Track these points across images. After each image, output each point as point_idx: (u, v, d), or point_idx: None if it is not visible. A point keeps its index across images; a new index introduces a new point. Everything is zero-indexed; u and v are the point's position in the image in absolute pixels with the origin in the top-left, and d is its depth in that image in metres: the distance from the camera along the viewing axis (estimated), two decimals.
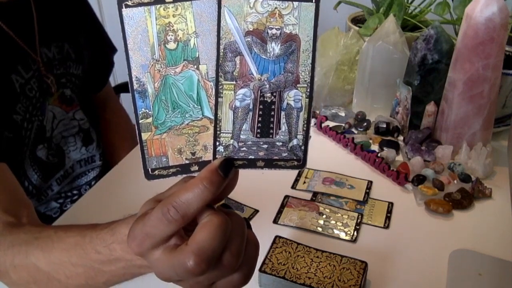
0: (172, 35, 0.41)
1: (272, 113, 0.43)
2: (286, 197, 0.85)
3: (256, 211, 0.82)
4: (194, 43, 0.41)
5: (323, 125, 1.05)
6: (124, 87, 1.41)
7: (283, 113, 0.43)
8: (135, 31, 0.41)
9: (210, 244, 0.39)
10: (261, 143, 0.44)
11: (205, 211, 0.40)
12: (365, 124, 1.06)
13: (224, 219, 0.40)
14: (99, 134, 1.07)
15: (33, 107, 0.86)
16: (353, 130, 1.07)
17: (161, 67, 0.42)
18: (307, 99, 0.43)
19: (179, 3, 0.40)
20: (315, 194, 0.86)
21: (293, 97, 0.43)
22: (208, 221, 0.40)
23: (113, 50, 1.15)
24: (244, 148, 0.44)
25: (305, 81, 0.43)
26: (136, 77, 0.42)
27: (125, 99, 1.55)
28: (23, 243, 0.57)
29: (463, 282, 0.67)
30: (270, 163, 0.44)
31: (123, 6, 0.40)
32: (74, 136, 0.99)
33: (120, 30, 0.40)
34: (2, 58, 0.81)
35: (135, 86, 0.42)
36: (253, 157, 0.44)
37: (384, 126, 1.02)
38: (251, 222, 0.79)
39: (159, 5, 0.40)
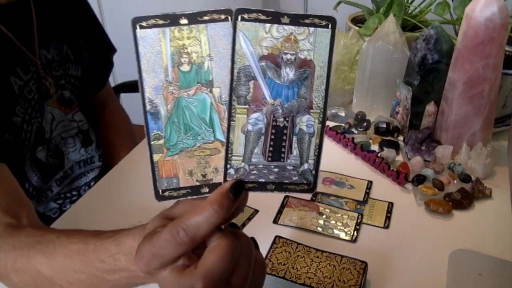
0: (186, 58, 0.41)
1: (284, 137, 0.44)
2: (286, 197, 0.84)
3: (256, 211, 0.82)
4: (208, 66, 0.41)
5: None
6: (124, 87, 1.41)
7: (295, 137, 0.44)
8: (149, 53, 0.41)
9: (218, 268, 0.39)
10: (272, 166, 0.44)
11: (214, 233, 0.41)
12: (365, 124, 1.06)
13: (233, 243, 0.40)
14: (99, 135, 1.07)
15: (32, 109, 0.86)
16: (353, 130, 1.07)
17: (174, 89, 0.42)
18: (320, 125, 0.43)
19: (194, 25, 0.40)
20: (315, 194, 0.86)
21: (306, 122, 0.43)
22: (217, 245, 0.40)
23: (113, 50, 1.15)
24: (255, 171, 0.44)
25: (319, 107, 0.43)
26: (149, 98, 0.42)
27: (125, 99, 1.55)
28: (24, 247, 0.57)
29: (463, 282, 0.67)
30: (280, 187, 0.45)
31: (138, 27, 0.40)
32: (73, 137, 0.98)
33: (134, 51, 0.40)
34: (0, 60, 0.80)
35: (148, 107, 0.42)
36: (263, 180, 0.44)
37: (384, 126, 1.02)
38: (251, 222, 0.79)
39: (173, 27, 0.40)
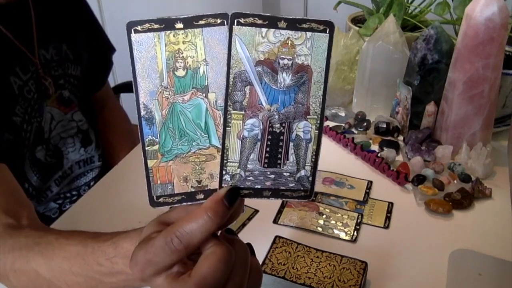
0: (181, 62, 0.41)
1: (281, 143, 0.43)
2: None
3: (256, 211, 0.82)
4: (204, 71, 0.41)
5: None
6: (124, 87, 1.41)
7: (291, 144, 0.43)
8: (144, 57, 0.40)
9: (212, 276, 0.39)
10: (268, 173, 0.43)
11: (209, 241, 0.40)
12: (365, 124, 1.05)
13: (228, 251, 0.40)
14: (98, 135, 1.07)
15: (32, 108, 0.86)
16: (353, 130, 1.07)
17: (169, 94, 0.41)
18: (317, 131, 0.43)
19: (189, 29, 0.40)
20: (315, 194, 0.86)
21: (303, 128, 0.43)
22: (211, 253, 0.40)
23: (112, 50, 1.15)
24: (250, 178, 0.43)
25: (316, 112, 0.42)
26: (144, 103, 0.41)
27: (125, 99, 1.55)
28: (23, 248, 0.57)
29: (463, 282, 0.67)
30: (276, 193, 0.44)
31: (133, 31, 0.40)
32: (73, 137, 0.98)
33: (129, 55, 0.40)
34: (0, 60, 0.80)
35: (142, 113, 0.42)
36: (259, 186, 0.43)
37: (384, 126, 1.02)
38: (251, 222, 0.79)
39: (169, 31, 0.40)
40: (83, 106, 1.01)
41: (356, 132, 1.06)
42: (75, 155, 1.00)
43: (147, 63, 0.40)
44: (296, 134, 0.43)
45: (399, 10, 1.12)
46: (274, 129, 0.43)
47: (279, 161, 0.43)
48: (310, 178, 0.44)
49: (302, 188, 0.44)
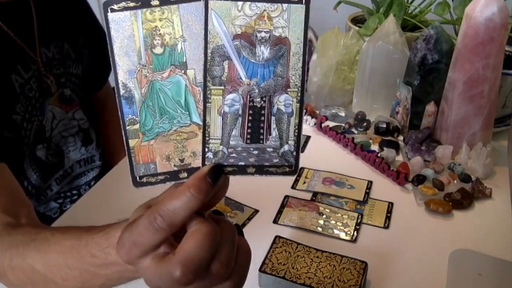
0: (158, 40, 0.40)
1: (262, 118, 0.42)
2: (286, 197, 0.84)
3: (256, 211, 0.82)
4: (181, 48, 0.41)
5: (323, 125, 1.04)
6: None
7: (273, 118, 0.42)
8: (121, 36, 0.40)
9: (197, 254, 0.38)
10: (252, 149, 0.43)
11: (193, 219, 0.40)
12: (365, 124, 1.06)
13: (213, 228, 0.39)
14: (99, 134, 1.07)
15: (33, 107, 0.86)
16: (353, 130, 1.07)
17: (148, 72, 0.41)
18: (298, 104, 0.42)
19: (165, 6, 0.39)
20: (315, 194, 0.86)
21: (284, 102, 0.42)
22: (195, 230, 0.39)
23: None
24: (234, 155, 0.43)
25: (296, 85, 0.42)
26: (123, 82, 0.41)
27: None
28: (20, 244, 0.57)
29: (463, 282, 0.67)
30: (261, 170, 0.43)
31: (109, 11, 0.39)
32: (74, 136, 0.99)
33: (106, 34, 0.39)
34: (1, 58, 0.81)
35: (122, 92, 0.41)
36: (243, 163, 0.43)
37: (384, 126, 1.02)
38: (251, 222, 0.79)
39: (145, 9, 0.39)
40: (84, 105, 1.01)
41: (356, 132, 1.06)
42: (76, 154, 1.00)
43: (124, 42, 0.40)
44: (278, 108, 0.42)
45: (399, 10, 1.12)
46: (255, 104, 0.42)
47: (261, 137, 0.43)
48: (294, 153, 0.43)
49: (286, 164, 0.43)
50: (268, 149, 0.43)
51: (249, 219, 0.80)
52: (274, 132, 0.43)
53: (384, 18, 1.08)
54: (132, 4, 0.39)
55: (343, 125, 1.07)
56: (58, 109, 0.93)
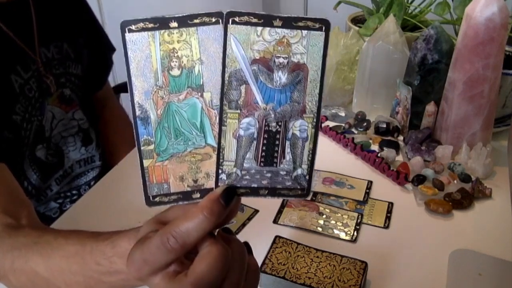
0: (176, 62, 0.40)
1: (277, 142, 0.43)
2: None
3: (256, 211, 0.82)
4: (199, 70, 0.41)
5: (323, 125, 1.04)
6: (124, 87, 1.41)
7: (288, 142, 0.43)
8: (139, 57, 0.40)
9: (209, 276, 0.39)
10: (265, 171, 0.43)
11: (205, 239, 0.40)
12: (365, 124, 1.06)
13: (224, 250, 0.40)
14: (99, 134, 1.07)
15: (32, 107, 0.86)
16: (353, 130, 1.07)
17: (164, 94, 0.41)
18: (313, 129, 0.43)
19: (184, 28, 0.39)
20: (315, 194, 0.86)
21: (299, 127, 0.43)
22: (207, 252, 0.40)
23: (112, 49, 1.15)
24: (247, 177, 0.43)
25: (312, 111, 0.42)
26: (139, 103, 0.41)
27: (125, 99, 1.54)
28: (22, 247, 0.57)
29: (463, 282, 0.67)
30: (273, 192, 0.44)
31: (127, 31, 0.39)
32: (74, 136, 0.99)
33: (123, 55, 0.40)
34: (1, 58, 0.81)
35: (137, 112, 0.41)
36: (256, 185, 0.43)
37: (384, 126, 1.02)
38: (251, 222, 0.79)
39: (163, 30, 0.40)
40: (84, 105, 1.01)
41: (356, 132, 1.06)
42: (76, 154, 1.00)
43: (141, 62, 0.40)
44: (293, 133, 0.43)
45: (399, 10, 1.12)
46: (270, 128, 0.42)
47: (275, 160, 0.43)
48: (307, 177, 0.44)
49: (299, 187, 0.44)
50: (281, 172, 0.43)
51: (249, 219, 0.80)
52: (288, 156, 0.43)
53: (384, 18, 1.08)
54: (150, 25, 0.39)
55: (343, 125, 1.07)
56: (58, 109, 0.93)
